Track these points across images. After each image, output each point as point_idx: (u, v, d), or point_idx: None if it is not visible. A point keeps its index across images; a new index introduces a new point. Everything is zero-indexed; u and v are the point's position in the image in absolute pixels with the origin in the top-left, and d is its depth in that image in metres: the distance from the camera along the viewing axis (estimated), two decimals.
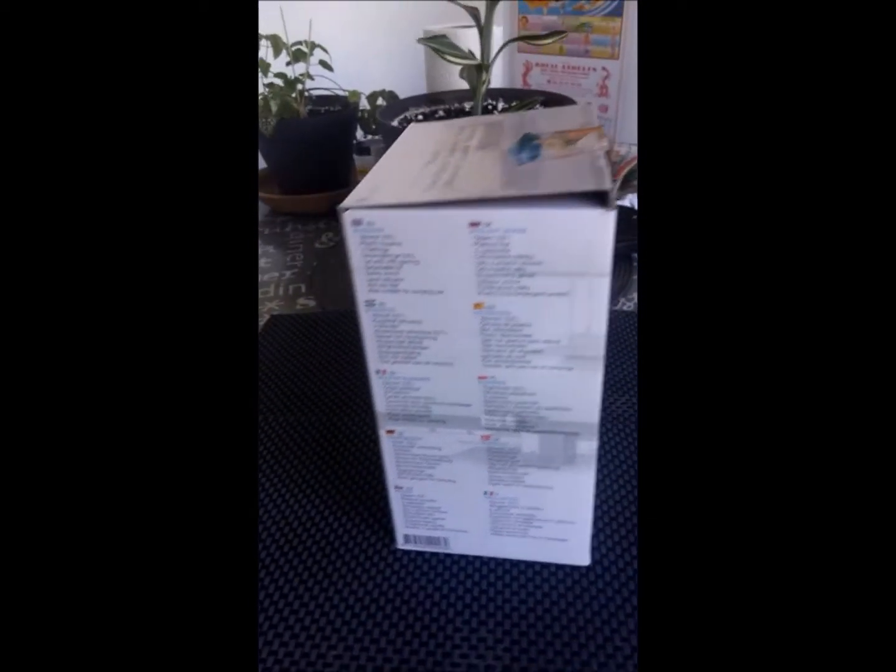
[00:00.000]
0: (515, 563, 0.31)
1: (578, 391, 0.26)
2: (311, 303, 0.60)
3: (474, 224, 0.23)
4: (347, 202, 0.24)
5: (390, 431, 0.29)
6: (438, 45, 0.49)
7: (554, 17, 1.45)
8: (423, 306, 0.25)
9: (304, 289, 0.62)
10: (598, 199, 0.22)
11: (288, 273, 0.66)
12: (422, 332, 0.26)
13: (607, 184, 0.21)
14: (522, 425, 0.27)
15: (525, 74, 1.54)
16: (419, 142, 0.30)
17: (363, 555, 0.33)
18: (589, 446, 0.27)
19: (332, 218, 0.79)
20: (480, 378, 0.26)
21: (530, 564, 0.31)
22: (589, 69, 1.45)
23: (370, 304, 0.25)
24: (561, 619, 0.29)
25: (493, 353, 0.25)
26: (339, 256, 0.68)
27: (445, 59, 0.49)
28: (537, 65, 1.51)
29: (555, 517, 0.29)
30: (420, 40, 0.49)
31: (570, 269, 0.23)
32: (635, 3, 1.34)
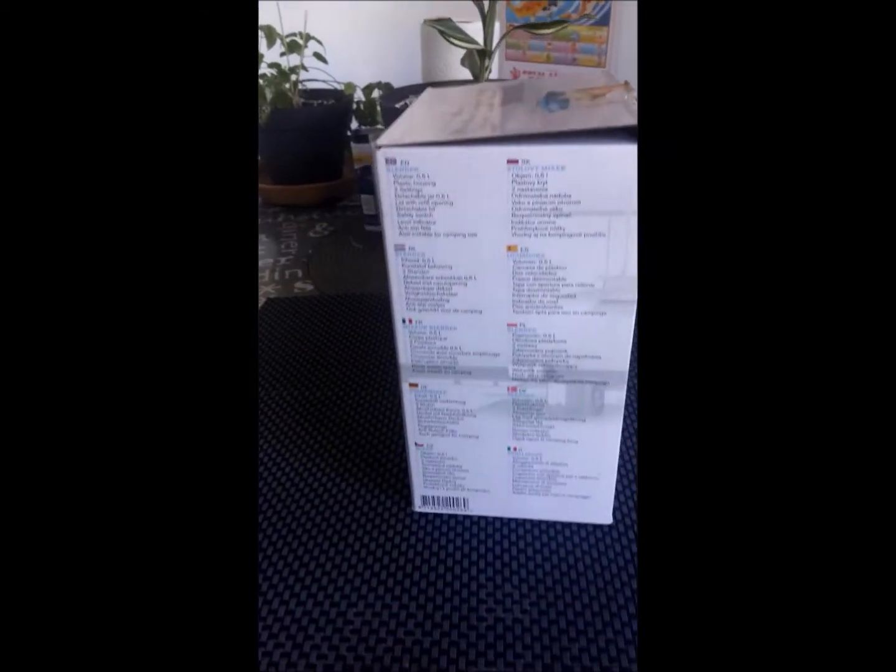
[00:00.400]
0: (536, 524, 0.31)
1: (610, 337, 0.26)
2: (309, 287, 0.59)
3: (512, 161, 0.23)
4: (381, 140, 0.23)
5: (413, 385, 0.29)
6: (445, 27, 0.49)
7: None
8: (455, 250, 0.25)
9: (300, 274, 0.62)
10: (635, 136, 0.22)
11: (283, 259, 0.65)
12: (452, 277, 0.25)
13: None
14: (550, 375, 0.27)
15: None
16: (441, 100, 0.30)
17: (379, 518, 0.32)
18: (617, 396, 0.27)
19: (324, 209, 0.79)
20: (510, 325, 0.26)
21: (552, 524, 0.31)
22: None
23: (400, 248, 0.25)
24: (587, 575, 0.28)
25: (525, 298, 0.25)
26: (334, 244, 0.68)
27: (451, 41, 0.50)
28: (525, 72, 1.54)
29: (579, 472, 0.29)
30: (426, 22, 0.49)
31: (607, 207, 0.23)
32: (622, 13, 1.37)
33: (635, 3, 1.38)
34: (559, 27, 0.53)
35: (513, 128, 0.23)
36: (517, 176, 0.23)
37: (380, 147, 0.23)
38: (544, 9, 1.51)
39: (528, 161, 0.23)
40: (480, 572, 0.29)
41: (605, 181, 0.22)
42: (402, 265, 0.26)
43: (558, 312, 0.25)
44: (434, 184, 0.24)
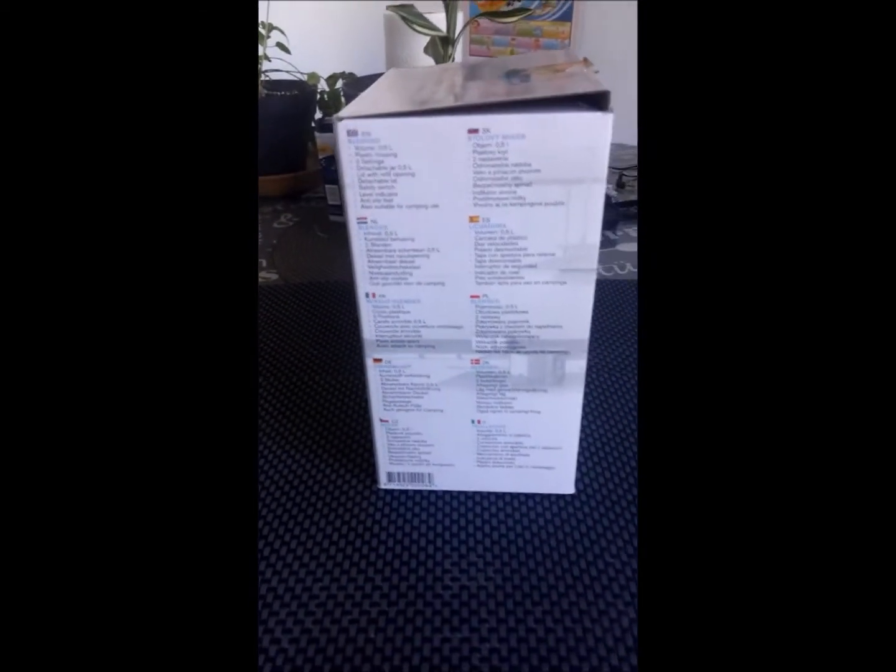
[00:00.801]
0: (500, 496, 0.32)
1: (570, 306, 0.26)
2: (273, 276, 0.59)
3: (473, 131, 0.23)
4: (343, 112, 0.24)
5: (377, 360, 0.29)
6: (407, 13, 0.49)
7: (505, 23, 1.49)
8: (417, 222, 0.25)
9: (265, 263, 0.61)
10: (595, 104, 0.23)
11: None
12: (414, 250, 0.26)
13: (604, 87, 0.22)
14: (513, 346, 0.27)
15: None
16: (405, 77, 0.31)
17: (345, 496, 0.32)
18: (578, 365, 0.28)
19: (289, 200, 0.78)
20: (472, 297, 0.26)
21: (515, 496, 0.31)
22: None
23: (362, 221, 0.25)
24: (549, 542, 0.29)
25: (487, 269, 0.26)
26: (298, 234, 0.67)
27: (413, 28, 0.50)
28: None
29: (542, 443, 0.30)
30: (389, 7, 0.49)
31: (567, 175, 0.23)
32: (585, 9, 1.39)
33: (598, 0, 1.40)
34: (522, 14, 0.53)
35: (473, 97, 0.23)
36: (478, 146, 0.23)
37: (341, 119, 0.23)
38: (508, 4, 1.52)
39: (488, 130, 0.23)
40: (445, 543, 0.29)
41: (564, 149, 0.23)
42: (365, 238, 0.26)
43: (520, 283, 0.26)
44: (395, 155, 0.24)
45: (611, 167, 0.88)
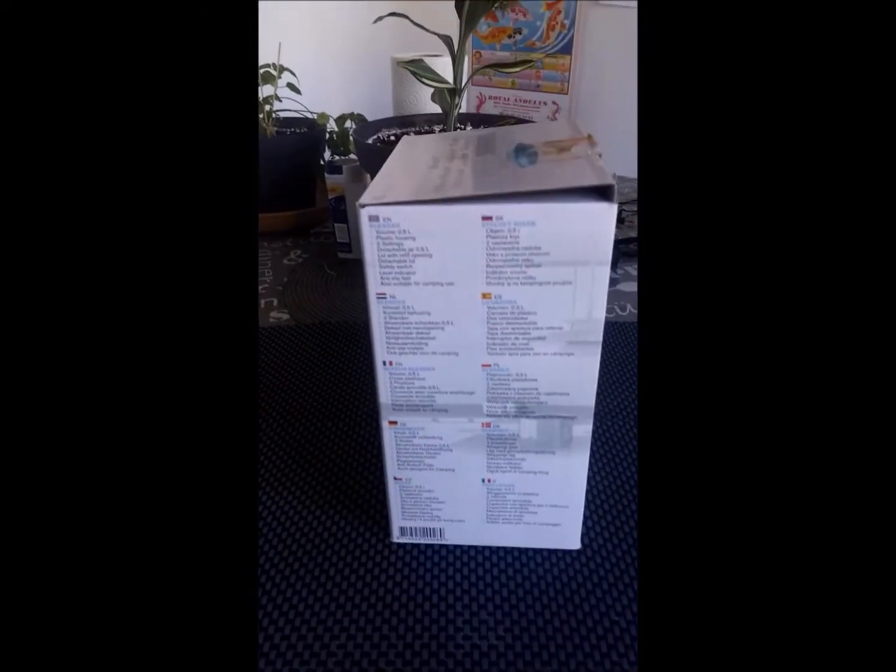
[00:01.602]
0: (509, 551, 0.33)
1: (577, 375, 0.28)
2: (284, 316, 0.60)
3: (487, 218, 0.25)
4: (364, 199, 0.25)
5: (393, 423, 0.30)
6: (417, 68, 0.51)
7: (506, 53, 1.52)
8: (434, 298, 0.26)
9: (276, 303, 0.63)
10: (600, 194, 0.24)
11: (259, 288, 0.66)
12: (430, 322, 0.27)
13: (609, 179, 0.24)
14: (522, 411, 0.29)
15: (479, 107, 1.60)
16: (417, 151, 0.32)
17: (358, 549, 0.33)
18: (584, 430, 0.29)
19: (298, 236, 0.80)
20: (484, 366, 0.28)
21: (523, 551, 0.33)
22: (540, 103, 1.53)
23: (381, 296, 0.27)
24: (557, 600, 0.30)
25: (498, 341, 0.27)
26: (308, 272, 0.69)
27: (423, 81, 0.52)
28: (490, 97, 1.58)
29: (549, 502, 0.31)
30: (400, 64, 0.51)
31: (574, 258, 0.25)
32: (585, 42, 1.42)
33: (597, 31, 1.43)
34: (526, 66, 0.55)
35: (486, 186, 0.25)
36: (491, 231, 0.25)
37: (364, 206, 0.25)
38: (509, 36, 1.56)
39: (501, 217, 0.24)
40: (457, 600, 0.30)
41: (572, 235, 0.24)
42: (384, 312, 0.27)
43: (529, 353, 0.27)
44: (414, 238, 0.25)
45: None
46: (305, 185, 0.82)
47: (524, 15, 1.45)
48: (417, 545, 0.33)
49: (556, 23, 1.42)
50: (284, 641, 0.28)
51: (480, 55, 1.53)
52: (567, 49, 1.43)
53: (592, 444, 0.41)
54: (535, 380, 0.28)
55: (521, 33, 1.48)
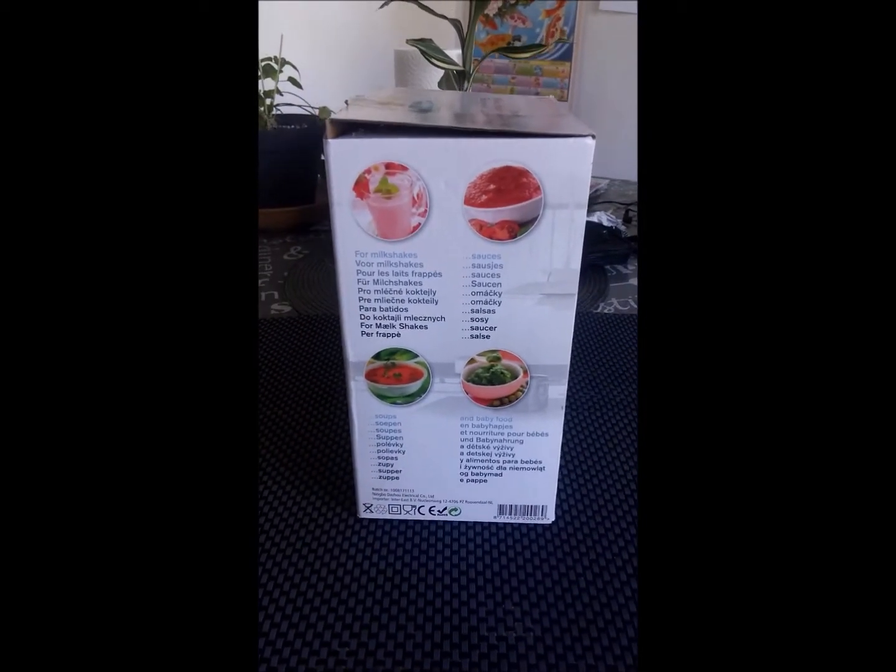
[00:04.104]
0: (486, 527, 0.31)
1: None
2: (286, 308, 0.58)
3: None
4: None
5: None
6: (426, 47, 0.50)
7: (506, 61, 1.52)
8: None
9: (277, 295, 0.61)
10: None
11: (259, 282, 0.64)
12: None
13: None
14: None
15: None
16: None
17: (333, 529, 0.31)
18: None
19: (298, 233, 0.78)
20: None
21: (501, 527, 0.31)
22: None
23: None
24: (533, 562, 0.28)
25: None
26: (309, 266, 0.67)
27: (431, 62, 0.50)
28: None
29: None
30: (408, 41, 0.50)
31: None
32: (584, 49, 1.42)
33: (597, 39, 1.43)
34: (536, 51, 0.54)
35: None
36: None
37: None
38: (508, 43, 1.56)
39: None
40: (479, 588, 0.28)
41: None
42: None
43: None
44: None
45: (617, 202, 0.88)
46: (306, 182, 0.80)
47: (523, 22, 1.45)
48: (390, 521, 0.31)
49: (556, 30, 1.42)
50: (298, 638, 0.26)
51: (479, 62, 1.53)
52: (567, 56, 1.43)
53: (598, 431, 0.39)
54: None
55: (520, 41, 1.48)
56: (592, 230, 0.69)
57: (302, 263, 0.68)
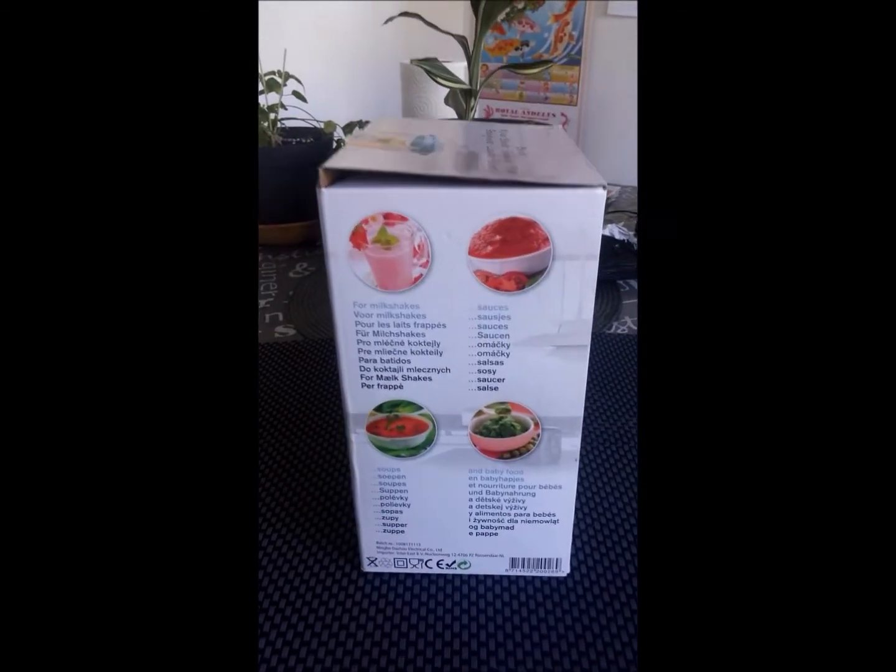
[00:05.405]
0: (498, 580, 0.30)
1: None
2: (290, 331, 0.57)
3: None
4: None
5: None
6: (431, 67, 0.48)
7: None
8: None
9: (281, 317, 0.59)
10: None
11: (263, 302, 0.62)
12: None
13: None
14: None
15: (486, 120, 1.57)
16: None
17: (331, 579, 0.29)
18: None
19: (304, 248, 0.77)
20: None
21: (514, 581, 0.30)
22: (548, 114, 1.50)
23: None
24: (548, 620, 0.26)
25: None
26: (314, 285, 0.65)
27: (437, 81, 0.49)
28: (497, 110, 1.55)
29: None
30: (413, 61, 0.48)
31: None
32: (593, 53, 1.40)
33: (606, 43, 1.41)
34: (544, 67, 0.52)
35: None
36: None
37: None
38: (517, 48, 1.54)
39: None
40: (455, 637, 0.26)
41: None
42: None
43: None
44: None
45: (628, 211, 0.86)
46: (312, 196, 0.79)
47: (531, 27, 1.43)
48: (396, 574, 0.30)
49: (564, 34, 1.40)
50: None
51: (487, 67, 1.51)
52: (576, 61, 1.41)
53: (605, 464, 0.37)
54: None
55: (528, 45, 1.46)
56: (604, 244, 0.67)
57: (308, 281, 0.67)
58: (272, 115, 0.74)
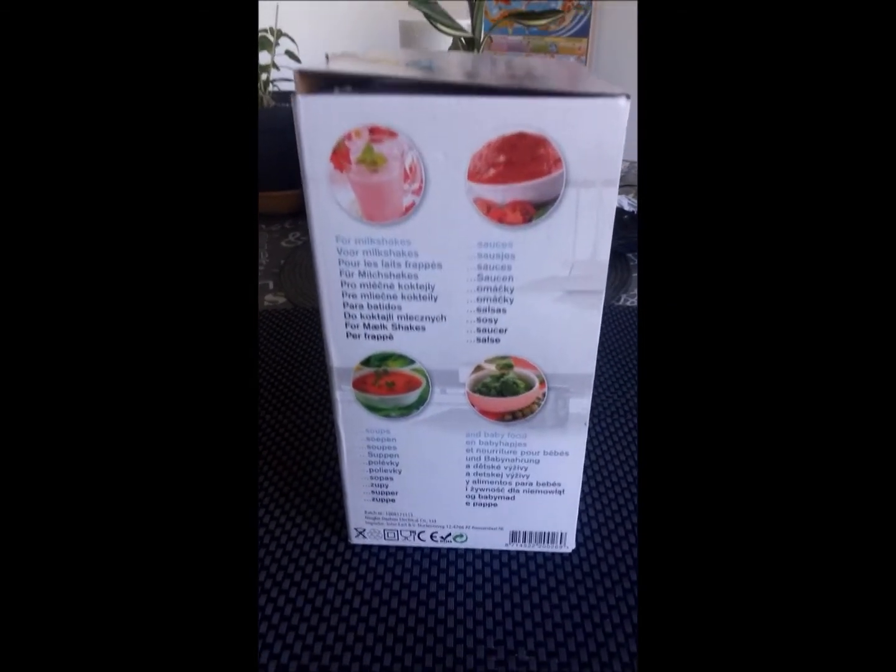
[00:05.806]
0: (496, 555, 0.27)
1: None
2: (280, 299, 0.54)
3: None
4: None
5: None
6: (430, 10, 0.45)
7: (519, 38, 1.46)
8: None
9: (272, 285, 0.56)
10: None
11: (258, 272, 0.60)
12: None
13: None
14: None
15: None
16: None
17: (315, 551, 0.27)
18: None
19: (297, 217, 0.74)
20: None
21: (513, 556, 0.27)
22: None
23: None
24: (551, 599, 0.24)
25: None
26: (307, 254, 0.63)
27: (437, 27, 0.45)
28: None
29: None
30: (410, 3, 0.45)
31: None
32: (601, 25, 1.36)
33: (614, 14, 1.37)
34: (553, 17, 0.49)
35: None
36: None
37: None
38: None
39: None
40: (449, 613, 0.24)
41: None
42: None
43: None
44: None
45: (637, 185, 0.83)
46: None
47: None
48: (403, 548, 0.27)
49: (572, 5, 1.36)
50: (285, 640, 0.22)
51: (492, 40, 1.47)
52: (583, 32, 1.37)
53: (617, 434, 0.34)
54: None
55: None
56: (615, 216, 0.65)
57: (300, 251, 0.64)
58: (264, 76, 0.71)
